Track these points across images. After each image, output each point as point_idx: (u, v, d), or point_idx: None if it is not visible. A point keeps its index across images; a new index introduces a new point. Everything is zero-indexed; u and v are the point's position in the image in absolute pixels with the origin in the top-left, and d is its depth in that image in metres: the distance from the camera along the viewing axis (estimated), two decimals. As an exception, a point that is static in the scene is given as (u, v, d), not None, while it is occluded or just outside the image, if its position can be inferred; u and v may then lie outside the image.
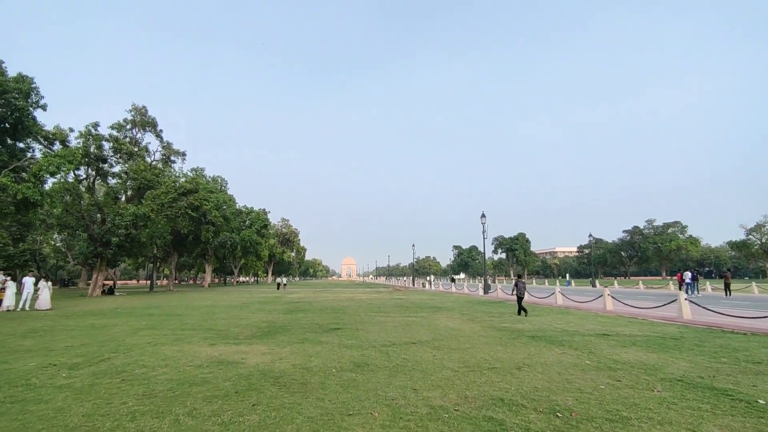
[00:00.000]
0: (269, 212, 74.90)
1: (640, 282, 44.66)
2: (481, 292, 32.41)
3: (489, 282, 36.51)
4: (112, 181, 32.25)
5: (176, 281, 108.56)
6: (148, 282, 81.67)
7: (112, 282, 70.85)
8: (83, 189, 29.54)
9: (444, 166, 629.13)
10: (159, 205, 29.81)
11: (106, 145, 29.45)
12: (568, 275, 56.94)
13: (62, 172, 21.25)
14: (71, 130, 27.47)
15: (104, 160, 29.80)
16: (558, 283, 58.97)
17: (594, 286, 49.12)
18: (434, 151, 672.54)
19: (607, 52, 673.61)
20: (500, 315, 15.27)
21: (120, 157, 30.69)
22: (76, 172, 28.30)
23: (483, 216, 33.47)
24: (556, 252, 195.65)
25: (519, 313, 15.08)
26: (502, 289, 29.42)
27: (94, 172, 29.75)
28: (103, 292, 32.54)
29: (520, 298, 15.19)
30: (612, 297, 17.68)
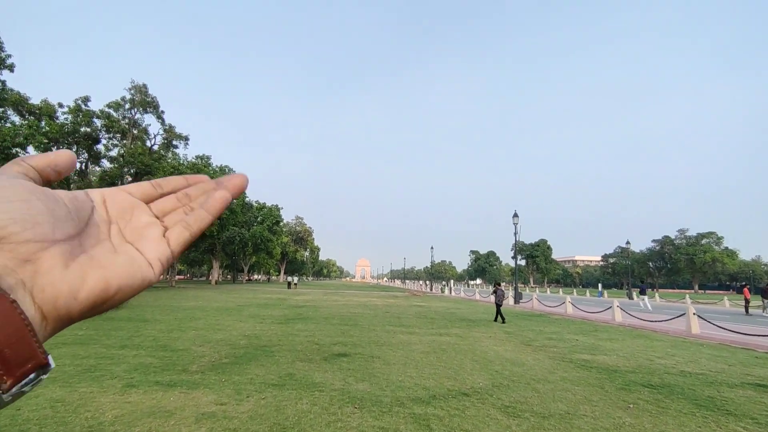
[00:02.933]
0: (282, 208, 71.91)
1: (687, 296, 40.02)
2: (511, 301, 28.58)
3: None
4: (108, 165, 29.45)
5: (188, 277, 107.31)
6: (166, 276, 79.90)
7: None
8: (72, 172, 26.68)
9: (461, 171, 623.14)
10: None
11: (98, 123, 26.61)
12: (600, 285, 52.32)
13: (33, 145, 18.48)
14: (60, 105, 24.79)
15: (96, 140, 26.99)
16: (588, 294, 54.48)
17: (630, 298, 44.65)
18: (451, 156, 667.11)
19: (634, 56, 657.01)
20: (559, 336, 11.59)
21: (113, 136, 27.89)
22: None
23: (515, 216, 29.65)
24: (576, 260, 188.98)
25: (496, 320, 14.94)
26: (538, 299, 25.53)
27: (85, 153, 26.99)
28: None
29: (498, 305, 15.26)
30: (699, 317, 13.80)
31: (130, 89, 29.41)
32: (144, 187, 0.39)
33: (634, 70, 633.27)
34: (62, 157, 0.34)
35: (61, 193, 0.32)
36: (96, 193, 0.36)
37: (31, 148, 20.94)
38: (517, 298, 28.25)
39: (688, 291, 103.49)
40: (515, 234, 29.75)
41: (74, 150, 26.95)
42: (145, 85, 29.78)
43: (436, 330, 12.23)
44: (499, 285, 16.58)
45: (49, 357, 0.26)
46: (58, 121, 23.67)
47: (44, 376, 0.26)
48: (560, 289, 71.97)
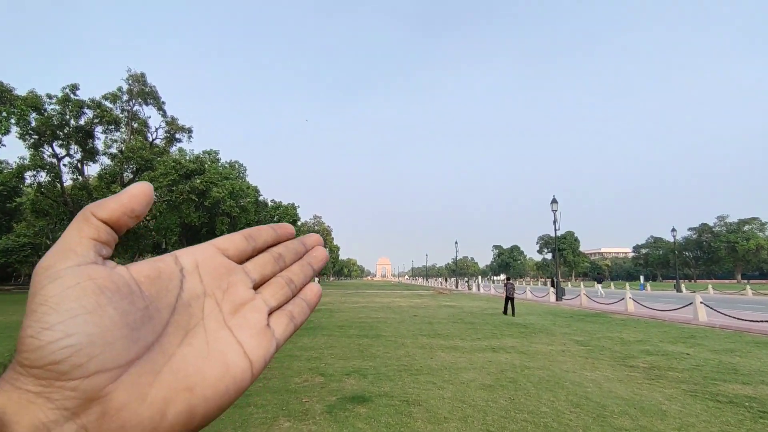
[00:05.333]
0: (299, 207, 69.61)
1: (748, 288, 35.72)
2: (552, 298, 25.27)
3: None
4: (106, 162, 27.49)
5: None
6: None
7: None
8: (67, 169, 24.87)
9: (482, 166, 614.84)
10: (156, 189, 24.71)
11: (90, 113, 24.45)
12: (642, 278, 48.08)
13: (1, 133, 16.35)
14: (49, 96, 22.74)
15: (90, 134, 24.90)
16: (628, 287, 50.41)
17: (679, 290, 40.66)
18: (472, 151, 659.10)
19: (664, 39, 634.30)
20: (656, 348, 8.44)
21: (107, 128, 25.79)
22: (56, 148, 23.57)
23: (554, 201, 26.27)
24: (603, 253, 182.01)
25: (505, 312, 15.72)
26: (587, 294, 22.10)
27: (79, 148, 24.92)
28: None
29: (509, 299, 15.90)
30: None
31: (127, 79, 27.34)
32: (236, 241, 0.32)
33: (661, 55, 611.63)
34: (138, 197, 0.27)
35: (138, 271, 0.25)
36: (187, 258, 0.29)
37: (5, 137, 19.00)
38: (560, 293, 24.86)
39: (730, 281, 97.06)
40: (554, 222, 26.36)
41: (69, 145, 25.03)
42: (143, 74, 27.60)
43: (485, 341, 9.25)
44: (509, 279, 17.52)
45: None
46: (45, 114, 21.65)
47: None
48: (595, 283, 67.23)
